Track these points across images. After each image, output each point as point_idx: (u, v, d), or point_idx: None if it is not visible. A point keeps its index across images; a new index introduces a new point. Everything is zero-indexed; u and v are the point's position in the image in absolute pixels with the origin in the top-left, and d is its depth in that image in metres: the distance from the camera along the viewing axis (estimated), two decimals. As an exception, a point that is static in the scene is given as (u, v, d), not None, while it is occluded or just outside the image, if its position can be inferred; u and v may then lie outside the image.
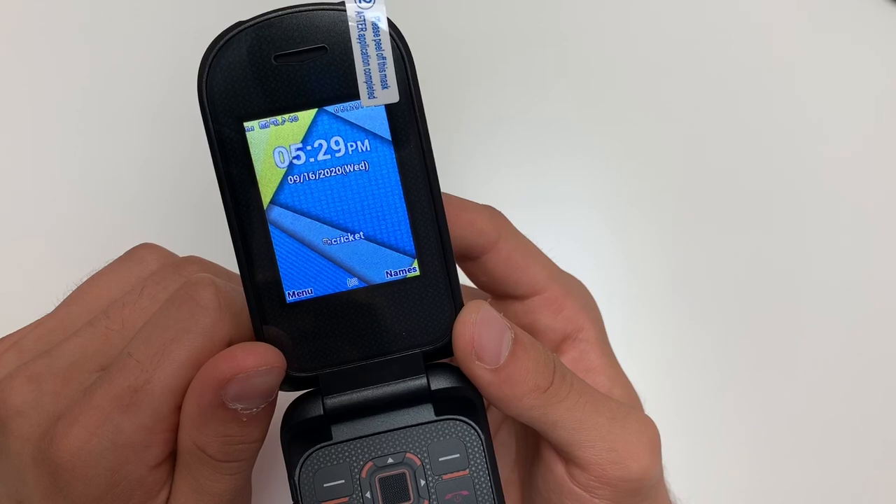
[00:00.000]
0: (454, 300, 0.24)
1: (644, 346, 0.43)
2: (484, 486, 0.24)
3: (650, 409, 0.34)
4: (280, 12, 0.22)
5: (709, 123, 0.47)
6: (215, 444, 0.23)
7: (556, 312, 0.29)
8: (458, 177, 0.44)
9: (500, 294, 0.30)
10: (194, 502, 0.24)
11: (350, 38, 0.22)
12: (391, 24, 0.22)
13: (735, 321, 0.43)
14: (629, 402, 0.29)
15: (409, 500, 0.23)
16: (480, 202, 0.29)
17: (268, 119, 0.22)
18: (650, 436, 0.26)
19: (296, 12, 0.22)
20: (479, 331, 0.23)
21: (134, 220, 0.42)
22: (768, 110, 0.47)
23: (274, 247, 0.23)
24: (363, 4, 0.22)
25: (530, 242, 0.30)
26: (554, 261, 0.30)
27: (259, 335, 0.23)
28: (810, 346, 0.43)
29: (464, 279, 0.28)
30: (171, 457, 0.24)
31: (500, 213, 0.29)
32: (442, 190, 0.24)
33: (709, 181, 0.45)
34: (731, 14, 0.49)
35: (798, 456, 0.41)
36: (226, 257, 0.25)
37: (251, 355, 0.22)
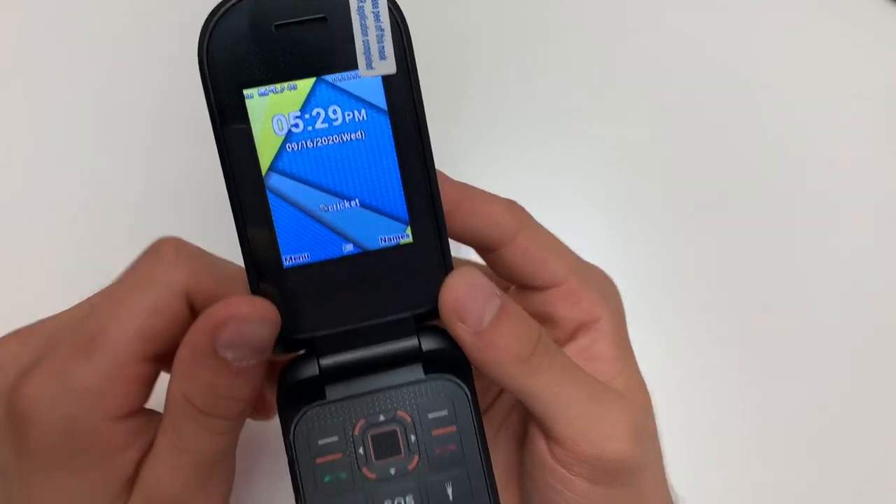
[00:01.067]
0: (444, 265, 0.25)
1: (642, 344, 0.43)
2: (470, 440, 0.25)
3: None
4: None
5: (708, 123, 0.47)
6: (202, 394, 0.23)
7: (574, 304, 0.29)
8: (456, 170, 0.45)
9: (519, 285, 0.30)
10: (173, 461, 0.24)
11: (350, 9, 0.23)
12: (390, -2, 0.23)
13: (736, 319, 0.43)
14: (628, 392, 0.28)
15: (400, 454, 0.25)
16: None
17: (267, 87, 0.23)
18: (633, 421, 0.26)
19: None
20: (463, 293, 0.24)
21: (146, 216, 0.41)
22: (768, 110, 0.47)
23: (272, 213, 0.23)
24: (363, -23, 0.22)
25: (551, 236, 0.30)
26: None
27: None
28: (811, 344, 0.43)
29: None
30: (138, 416, 0.24)
31: (521, 207, 0.29)
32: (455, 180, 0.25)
33: (708, 181, 0.46)
34: (731, 14, 0.49)
35: (801, 454, 0.42)
36: (234, 252, 0.25)
37: (246, 304, 0.22)
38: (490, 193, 0.28)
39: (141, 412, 0.25)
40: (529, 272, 0.29)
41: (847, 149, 0.47)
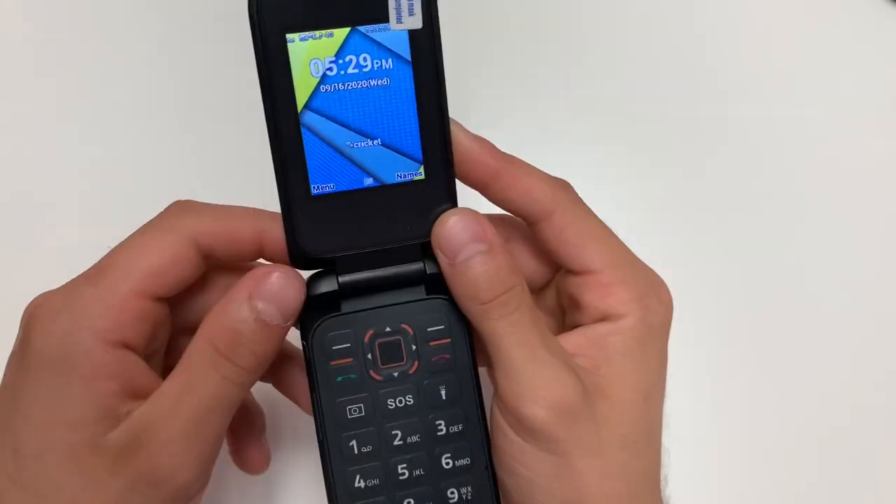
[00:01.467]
0: (451, 198, 0.28)
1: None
2: (462, 351, 0.29)
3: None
4: None
5: (706, 123, 0.48)
6: (227, 338, 0.26)
7: (602, 296, 0.29)
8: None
9: (557, 263, 0.30)
10: (175, 399, 0.26)
11: (385, -33, 0.25)
12: (420, -42, 0.26)
13: (736, 321, 0.44)
14: (610, 388, 0.28)
15: (403, 361, 0.29)
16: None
17: (307, 33, 0.25)
18: (562, 397, 0.27)
19: None
20: (449, 228, 0.27)
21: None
22: (767, 111, 0.48)
23: (304, 146, 0.26)
24: (399, -61, 0.25)
25: (597, 223, 0.30)
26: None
27: (288, 222, 0.27)
28: (810, 345, 0.44)
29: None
30: (128, 354, 0.26)
31: (568, 187, 0.30)
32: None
33: (706, 181, 0.47)
34: (731, 15, 0.50)
35: (799, 457, 0.42)
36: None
37: (284, 270, 0.26)
38: (537, 169, 0.29)
39: (132, 353, 0.27)
40: (564, 253, 0.29)
41: (846, 149, 0.48)
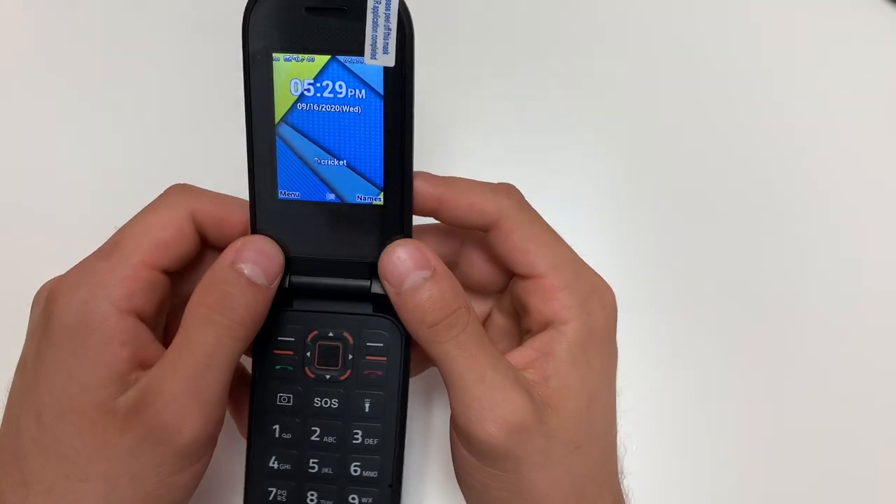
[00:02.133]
0: (403, 230, 0.30)
1: (639, 347, 0.43)
2: (394, 372, 0.31)
3: (648, 408, 0.38)
4: None
5: (704, 125, 0.47)
6: (215, 299, 0.28)
7: (545, 301, 0.30)
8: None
9: (509, 269, 0.32)
10: (174, 358, 0.28)
11: (366, 6, 0.27)
12: (402, 3, 0.27)
13: (731, 323, 0.44)
14: (555, 398, 0.29)
15: (338, 366, 0.31)
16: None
17: (291, 55, 0.28)
18: (512, 417, 0.28)
19: None
20: (393, 259, 0.29)
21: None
22: (764, 112, 0.47)
23: (277, 154, 0.29)
24: (383, -19, 0.27)
25: (544, 228, 0.31)
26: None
27: (253, 218, 0.30)
28: (806, 347, 0.44)
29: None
30: (138, 323, 0.29)
31: (512, 192, 0.31)
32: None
33: (705, 183, 0.46)
34: (727, 16, 0.49)
35: (791, 460, 0.42)
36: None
37: (263, 239, 0.29)
38: (479, 182, 0.31)
39: (142, 323, 0.29)
40: (511, 258, 0.31)
41: (843, 150, 0.47)
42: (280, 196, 0.30)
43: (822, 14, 0.49)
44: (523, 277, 0.31)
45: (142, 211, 0.31)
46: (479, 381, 0.28)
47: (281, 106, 0.29)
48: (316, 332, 0.31)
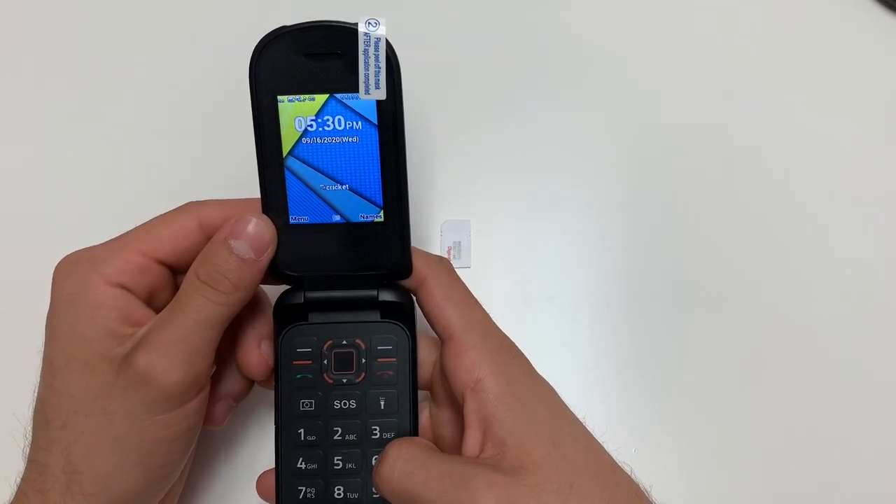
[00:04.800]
0: (403, 241, 0.33)
1: (638, 347, 0.45)
2: (404, 370, 0.34)
3: (645, 414, 0.40)
4: (312, 24, 0.31)
5: (697, 129, 0.48)
6: (208, 269, 0.32)
7: (459, 360, 0.32)
8: (457, 177, 0.48)
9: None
10: (167, 315, 0.32)
11: (358, 49, 0.31)
12: (388, 44, 0.31)
13: (729, 326, 0.45)
14: (518, 462, 0.29)
15: (353, 370, 0.34)
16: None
17: (294, 96, 0.32)
18: (487, 501, 0.28)
19: (323, 26, 0.31)
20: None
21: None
22: (761, 113, 0.49)
23: (286, 185, 0.33)
24: (370, 27, 0.31)
25: (463, 292, 0.34)
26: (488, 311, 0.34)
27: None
28: (806, 348, 0.44)
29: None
30: (125, 295, 0.33)
31: (442, 261, 0.35)
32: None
33: (704, 185, 0.47)
34: (718, 20, 0.50)
35: (791, 461, 0.43)
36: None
37: (254, 217, 0.33)
38: (419, 250, 0.34)
39: (130, 293, 0.33)
40: (432, 318, 0.34)
41: (838, 154, 0.48)
42: (292, 221, 0.33)
43: (812, 17, 0.50)
44: (444, 340, 0.33)
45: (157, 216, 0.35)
46: (442, 493, 0.29)
47: (288, 142, 0.33)
48: (331, 342, 0.34)
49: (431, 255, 0.35)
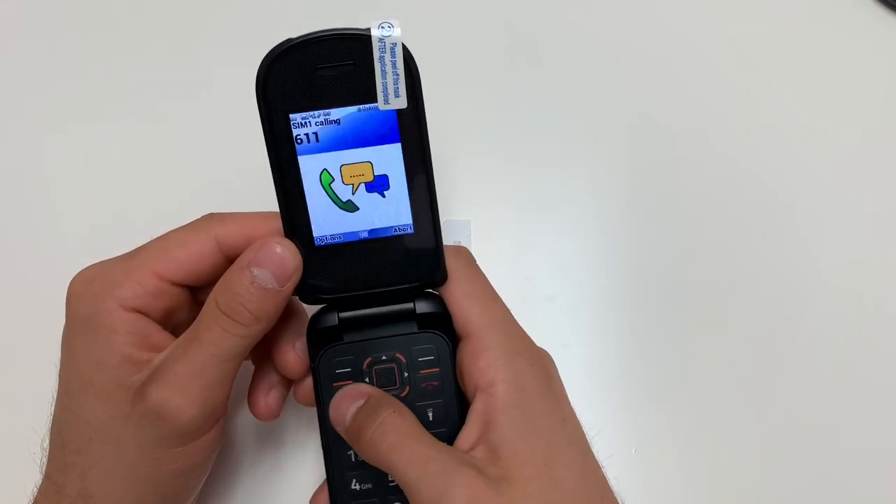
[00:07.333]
0: (437, 250, 0.32)
1: (638, 348, 0.45)
2: (448, 379, 0.33)
3: (645, 413, 0.40)
4: (320, 35, 0.29)
5: (701, 127, 0.48)
6: (227, 299, 0.30)
7: (475, 360, 0.31)
8: (456, 178, 0.48)
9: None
10: (184, 346, 0.31)
11: (373, 57, 0.29)
12: (405, 48, 0.29)
13: (729, 326, 0.45)
14: (505, 473, 0.29)
15: (396, 385, 0.33)
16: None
17: (308, 113, 0.30)
18: (462, 499, 0.28)
19: (332, 37, 0.29)
20: (333, 406, 0.32)
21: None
22: (760, 114, 0.49)
23: (308, 206, 0.31)
24: (384, 32, 0.28)
25: (483, 286, 0.33)
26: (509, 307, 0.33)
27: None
28: (805, 348, 0.44)
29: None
30: (139, 319, 0.32)
31: (462, 253, 0.33)
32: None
33: (704, 185, 0.47)
34: (718, 17, 0.51)
35: (791, 461, 0.42)
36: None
37: (278, 243, 0.31)
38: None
39: (146, 317, 0.32)
40: (454, 316, 0.33)
41: (837, 152, 0.48)
42: (318, 243, 0.32)
43: (813, 16, 0.51)
44: (462, 338, 0.33)
45: (173, 229, 0.33)
46: (423, 477, 0.29)
47: (305, 161, 0.30)
48: (370, 359, 0.33)
49: (449, 246, 0.33)
